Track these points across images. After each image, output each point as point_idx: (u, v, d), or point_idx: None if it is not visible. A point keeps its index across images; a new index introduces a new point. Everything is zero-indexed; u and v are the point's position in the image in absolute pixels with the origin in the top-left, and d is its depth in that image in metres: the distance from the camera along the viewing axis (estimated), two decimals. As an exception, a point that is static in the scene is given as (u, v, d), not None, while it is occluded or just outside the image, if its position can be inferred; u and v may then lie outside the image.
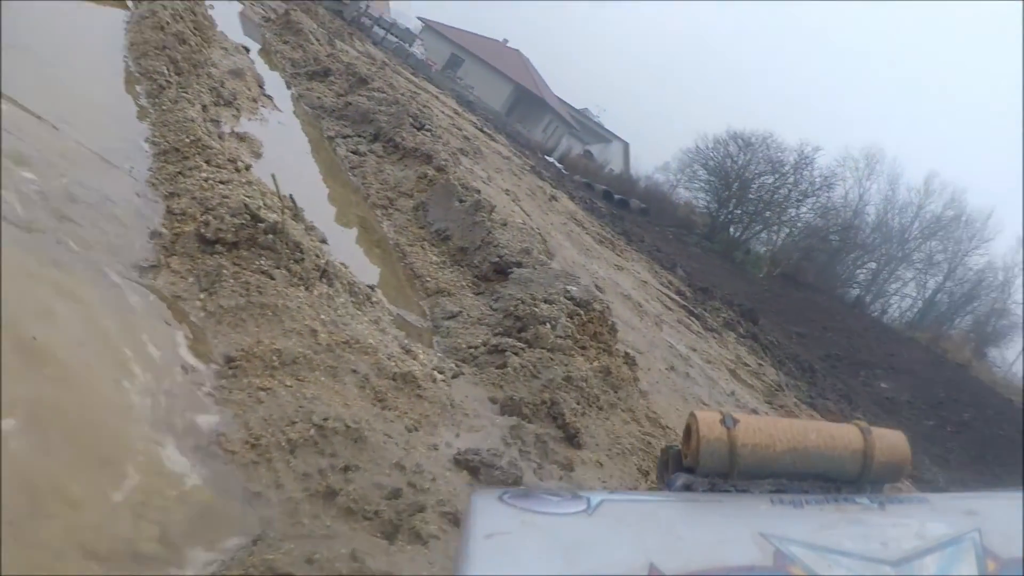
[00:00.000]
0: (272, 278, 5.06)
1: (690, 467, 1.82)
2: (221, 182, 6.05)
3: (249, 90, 11.59)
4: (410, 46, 51.73)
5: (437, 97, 33.86)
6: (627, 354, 8.04)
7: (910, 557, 1.61)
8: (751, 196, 54.66)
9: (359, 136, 13.26)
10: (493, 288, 8.21)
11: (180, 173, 6.25)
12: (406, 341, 6.13)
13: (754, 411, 13.23)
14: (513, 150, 34.98)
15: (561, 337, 6.85)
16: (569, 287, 7.68)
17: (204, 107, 8.68)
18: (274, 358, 4.36)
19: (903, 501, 1.85)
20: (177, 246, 5.11)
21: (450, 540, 3.65)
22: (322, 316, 5.10)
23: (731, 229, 54.55)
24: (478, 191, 10.51)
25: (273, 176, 6.50)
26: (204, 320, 4.60)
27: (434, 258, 8.89)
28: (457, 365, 6.33)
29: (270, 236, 5.23)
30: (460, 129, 24.07)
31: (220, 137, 7.66)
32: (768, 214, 54.65)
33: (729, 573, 1.52)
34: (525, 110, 72.17)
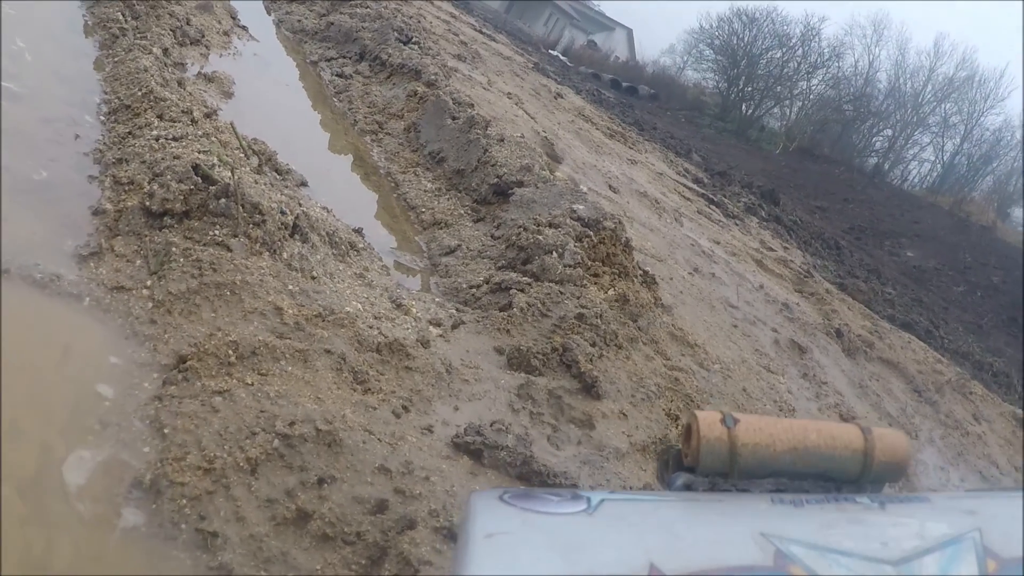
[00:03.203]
0: (229, 249, 4.41)
1: (690, 467, 1.84)
2: (174, 139, 5.40)
3: (220, 23, 10.86)
4: (400, -49, 50.57)
5: (432, 2, 32.98)
6: (645, 273, 7.38)
7: (910, 557, 1.59)
8: (760, 72, 54.34)
9: (344, 57, 12.54)
10: (494, 213, 7.56)
11: (130, 133, 5.60)
12: (397, 291, 5.55)
13: (785, 304, 12.72)
14: (515, 49, 34.14)
15: (570, 266, 6.20)
16: (575, 206, 7.00)
17: (165, 50, 8.01)
18: (230, 352, 3.71)
19: (903, 501, 1.85)
20: (121, 224, 4.49)
21: (444, 563, 3.08)
22: (289, 286, 4.45)
23: (743, 107, 54.27)
24: (471, 105, 9.77)
25: (231, 125, 5.87)
26: (152, 312, 3.99)
27: (429, 185, 8.22)
28: (458, 310, 5.75)
29: (223, 201, 4.58)
30: (457, 35, 23.23)
31: (181, 84, 6.99)
32: (779, 89, 54.39)
33: (729, 573, 1.50)
34: (524, 5, 71.00)
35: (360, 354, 4.27)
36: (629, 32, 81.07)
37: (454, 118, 9.17)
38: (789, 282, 15.42)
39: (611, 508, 1.70)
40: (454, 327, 5.37)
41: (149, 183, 4.72)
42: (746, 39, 55.17)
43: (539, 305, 5.76)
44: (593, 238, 6.71)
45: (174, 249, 4.29)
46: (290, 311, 4.24)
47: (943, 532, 1.67)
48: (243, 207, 4.59)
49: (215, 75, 8.47)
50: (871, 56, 56.38)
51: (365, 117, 9.90)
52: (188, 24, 9.67)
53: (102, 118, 6.03)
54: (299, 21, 14.13)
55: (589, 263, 6.46)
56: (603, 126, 22.48)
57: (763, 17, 54.69)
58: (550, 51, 49.29)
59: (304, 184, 6.78)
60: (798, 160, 43.80)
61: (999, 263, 29.71)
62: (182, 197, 4.55)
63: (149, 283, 4.13)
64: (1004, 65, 72.17)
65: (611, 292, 6.32)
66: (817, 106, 53.79)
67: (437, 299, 5.85)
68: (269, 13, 14.87)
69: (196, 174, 4.72)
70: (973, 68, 55.26)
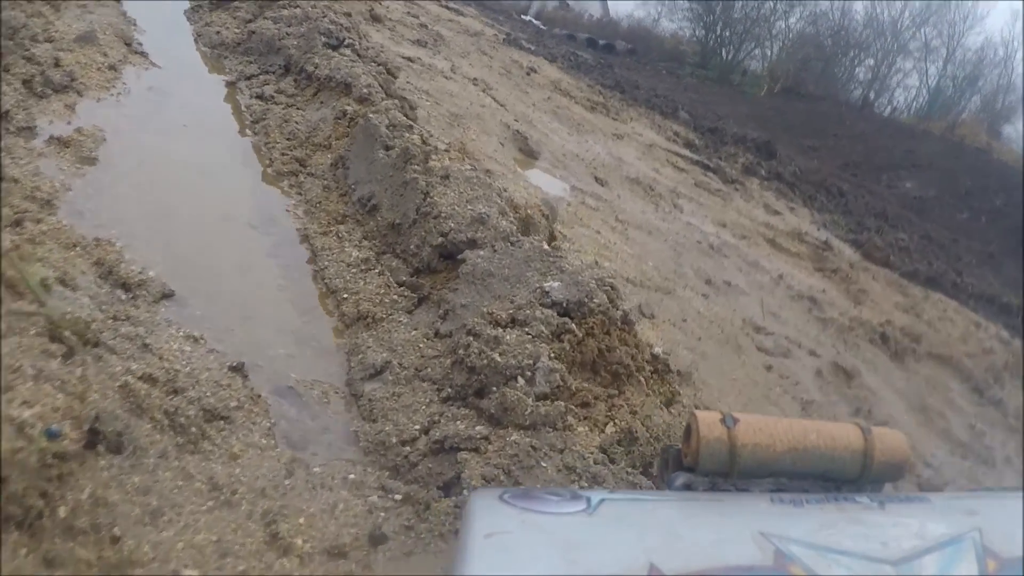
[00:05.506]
0: None
1: (690, 467, 1.82)
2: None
3: (105, 55, 8.86)
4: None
5: (393, -16, 31.15)
6: (655, 359, 5.36)
7: (910, 557, 1.58)
8: (737, 16, 53.69)
9: (266, 73, 10.51)
10: (439, 292, 5.55)
11: None
12: (285, 484, 3.61)
13: (812, 298, 11.07)
14: (484, 20, 32.48)
15: (545, 397, 4.18)
16: (547, 284, 4.92)
17: (6, 113, 6.14)
18: None
19: (903, 501, 1.82)
20: None
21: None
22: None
23: (723, 52, 53.78)
24: (409, 127, 7.66)
25: (15, 259, 3.94)
26: None
27: (355, 252, 6.12)
28: (386, 489, 3.81)
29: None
30: (417, 17, 21.37)
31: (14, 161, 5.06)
32: (757, 31, 53.56)
33: (729, 572, 1.48)
34: (490, -29, 69.27)
35: None
36: (600, -12, 79.43)
37: (387, 148, 7.09)
38: (808, 260, 14.40)
39: (611, 508, 1.69)
40: (375, 544, 3.44)
41: None
42: (719, -18, 54.20)
43: (503, 471, 3.81)
44: (577, 332, 4.66)
45: None
46: None
47: (943, 532, 1.66)
48: None
49: (72, 138, 6.52)
50: (846, -13, 55.67)
51: (283, 154, 7.89)
52: (56, 66, 7.73)
53: None
54: (218, 33, 11.95)
55: (574, 387, 4.41)
56: (582, 98, 20.81)
57: (735, -42, 53.69)
58: (522, 16, 47.93)
59: (167, 295, 4.88)
60: (784, 100, 43.20)
61: (998, 185, 29.30)
62: None
63: None
64: (980, -17, 72.54)
65: (609, 429, 4.26)
66: (797, 44, 53.23)
67: (351, 474, 3.92)
68: (191, 23, 12.82)
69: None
70: (950, -12, 54.97)
